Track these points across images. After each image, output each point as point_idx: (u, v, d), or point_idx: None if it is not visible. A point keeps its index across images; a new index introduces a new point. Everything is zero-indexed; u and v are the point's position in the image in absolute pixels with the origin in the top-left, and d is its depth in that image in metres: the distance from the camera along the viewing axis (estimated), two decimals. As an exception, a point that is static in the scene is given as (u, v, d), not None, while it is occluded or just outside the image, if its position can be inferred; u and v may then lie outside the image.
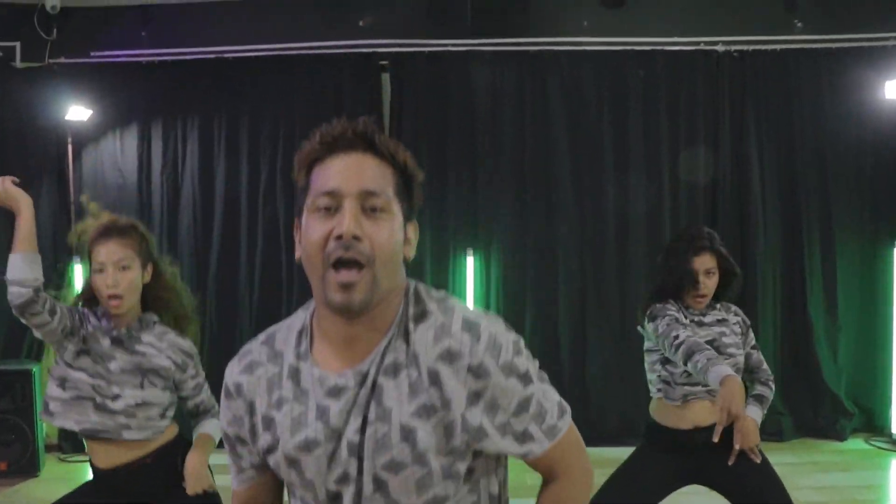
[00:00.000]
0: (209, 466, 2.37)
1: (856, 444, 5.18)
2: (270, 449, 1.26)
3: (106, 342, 2.30)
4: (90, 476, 2.41)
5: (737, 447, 2.58)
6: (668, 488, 2.72)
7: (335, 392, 1.20)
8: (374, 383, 1.19)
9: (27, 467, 4.71)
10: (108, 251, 2.26)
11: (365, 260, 1.15)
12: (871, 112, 5.25)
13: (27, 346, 5.12)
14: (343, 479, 1.19)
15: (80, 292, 2.41)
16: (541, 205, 5.35)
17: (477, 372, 1.17)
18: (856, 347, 5.41)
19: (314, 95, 5.35)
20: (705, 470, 2.66)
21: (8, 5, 5.31)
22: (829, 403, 5.28)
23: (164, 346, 2.34)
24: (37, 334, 2.28)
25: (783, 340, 5.37)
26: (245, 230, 5.39)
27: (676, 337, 2.58)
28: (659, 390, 2.74)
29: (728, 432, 2.60)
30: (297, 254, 1.24)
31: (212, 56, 5.34)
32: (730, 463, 2.59)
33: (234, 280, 5.40)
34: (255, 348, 1.33)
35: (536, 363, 1.26)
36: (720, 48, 5.32)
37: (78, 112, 5.16)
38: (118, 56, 5.39)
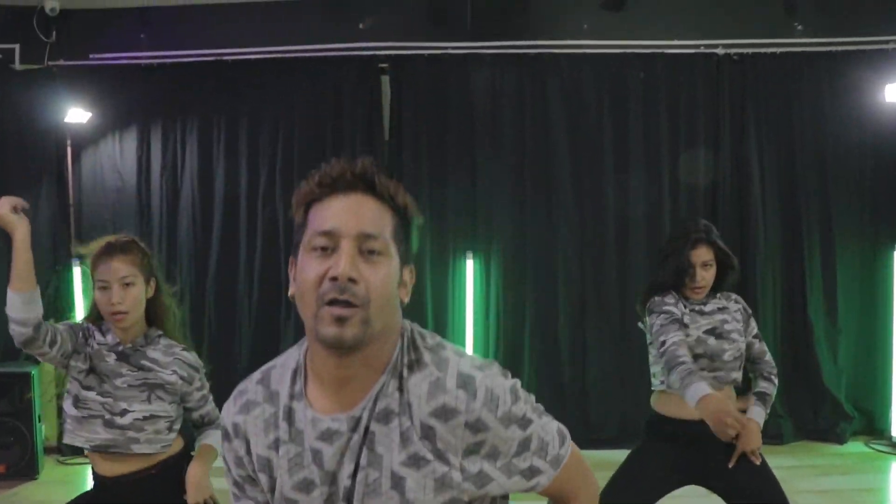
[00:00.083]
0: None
1: (856, 447, 5.17)
2: (269, 489, 1.26)
3: (111, 359, 2.32)
4: (90, 481, 2.42)
5: (739, 450, 2.58)
6: (667, 483, 2.71)
7: (327, 436, 1.20)
8: (367, 429, 1.18)
9: (26, 470, 4.70)
10: (112, 269, 2.28)
11: (359, 302, 1.14)
12: (871, 115, 5.24)
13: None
14: None
15: (86, 314, 2.42)
16: (541, 207, 5.34)
17: (475, 427, 1.17)
18: (856, 350, 5.41)
19: (314, 98, 5.35)
20: (704, 469, 2.66)
21: (7, 7, 5.30)
22: (829, 406, 5.27)
23: (169, 360, 2.36)
24: (38, 358, 2.32)
25: (783, 343, 5.36)
26: (244, 232, 5.39)
27: (663, 343, 2.62)
28: (662, 381, 2.74)
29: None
30: (291, 290, 1.24)
31: (211, 58, 5.33)
32: (730, 465, 2.59)
33: (233, 282, 5.39)
34: (250, 388, 1.31)
35: (532, 398, 1.27)
36: (720, 51, 5.32)
37: (77, 114, 5.16)
38: (117, 58, 5.38)
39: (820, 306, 5.34)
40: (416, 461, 1.17)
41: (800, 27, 5.33)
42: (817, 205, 5.36)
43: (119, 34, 5.38)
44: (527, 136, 5.35)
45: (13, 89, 5.30)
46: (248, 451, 1.27)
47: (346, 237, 1.16)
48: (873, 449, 5.12)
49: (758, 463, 2.61)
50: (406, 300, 1.25)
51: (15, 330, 2.21)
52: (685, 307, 2.74)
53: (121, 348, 2.33)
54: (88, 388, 2.30)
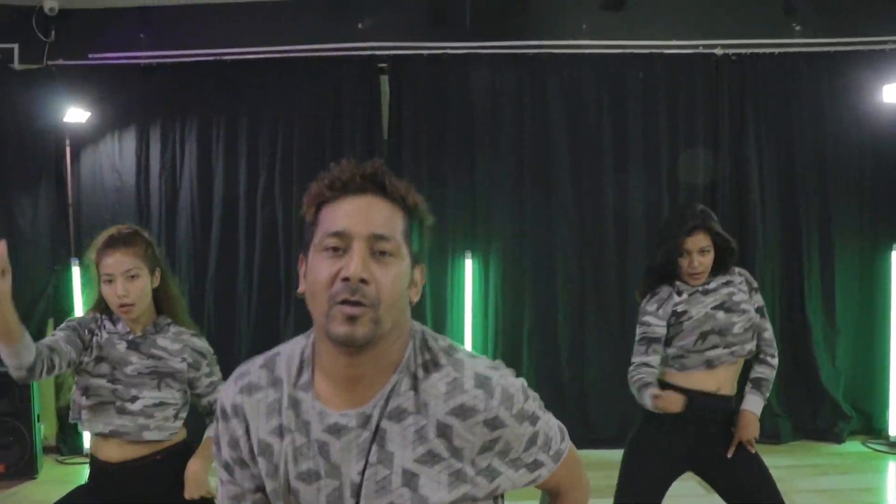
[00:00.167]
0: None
1: (854, 446, 5.18)
2: (268, 475, 1.26)
3: (122, 346, 2.34)
4: (87, 477, 2.43)
5: (736, 439, 2.60)
6: (670, 473, 2.72)
7: (335, 430, 1.21)
8: (378, 427, 1.19)
9: (25, 469, 4.71)
10: (116, 262, 2.28)
11: (370, 303, 1.15)
12: (870, 115, 5.25)
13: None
14: None
15: (93, 305, 2.41)
16: (540, 207, 5.35)
17: (493, 424, 1.20)
18: (854, 350, 5.42)
19: (313, 97, 5.35)
20: (702, 458, 2.68)
21: (6, 7, 5.30)
22: (828, 406, 5.28)
23: (178, 347, 2.38)
24: None
25: (781, 343, 5.24)
26: (243, 232, 5.39)
27: (632, 364, 2.71)
28: (670, 366, 2.73)
29: (727, 422, 2.64)
30: (301, 288, 1.24)
31: (211, 58, 5.33)
32: (729, 455, 2.61)
33: (232, 281, 5.40)
34: (253, 370, 1.30)
35: (537, 396, 1.31)
36: (719, 51, 5.33)
37: (76, 114, 5.16)
38: (117, 58, 5.38)
39: (818, 306, 5.35)
40: (431, 458, 1.19)
41: (798, 27, 5.34)
42: (816, 205, 5.36)
43: (118, 34, 5.38)
44: (526, 136, 5.35)
45: (12, 89, 5.30)
46: (248, 433, 1.27)
47: (357, 238, 1.17)
48: (871, 448, 5.14)
49: (753, 451, 2.63)
50: (416, 299, 1.26)
51: (12, 372, 2.19)
52: (684, 292, 2.71)
53: (131, 337, 2.35)
54: (99, 376, 2.31)
